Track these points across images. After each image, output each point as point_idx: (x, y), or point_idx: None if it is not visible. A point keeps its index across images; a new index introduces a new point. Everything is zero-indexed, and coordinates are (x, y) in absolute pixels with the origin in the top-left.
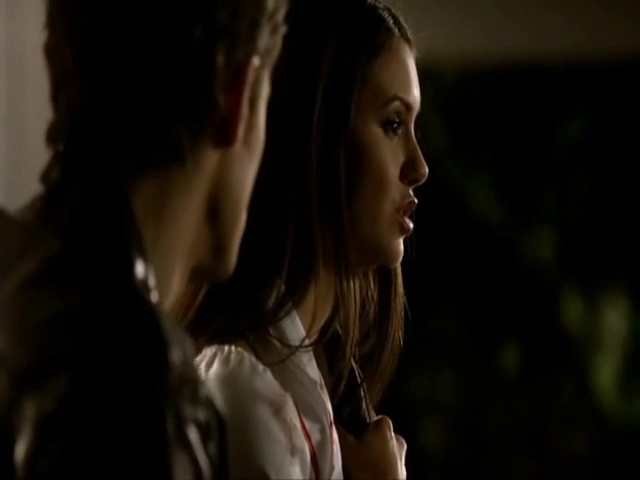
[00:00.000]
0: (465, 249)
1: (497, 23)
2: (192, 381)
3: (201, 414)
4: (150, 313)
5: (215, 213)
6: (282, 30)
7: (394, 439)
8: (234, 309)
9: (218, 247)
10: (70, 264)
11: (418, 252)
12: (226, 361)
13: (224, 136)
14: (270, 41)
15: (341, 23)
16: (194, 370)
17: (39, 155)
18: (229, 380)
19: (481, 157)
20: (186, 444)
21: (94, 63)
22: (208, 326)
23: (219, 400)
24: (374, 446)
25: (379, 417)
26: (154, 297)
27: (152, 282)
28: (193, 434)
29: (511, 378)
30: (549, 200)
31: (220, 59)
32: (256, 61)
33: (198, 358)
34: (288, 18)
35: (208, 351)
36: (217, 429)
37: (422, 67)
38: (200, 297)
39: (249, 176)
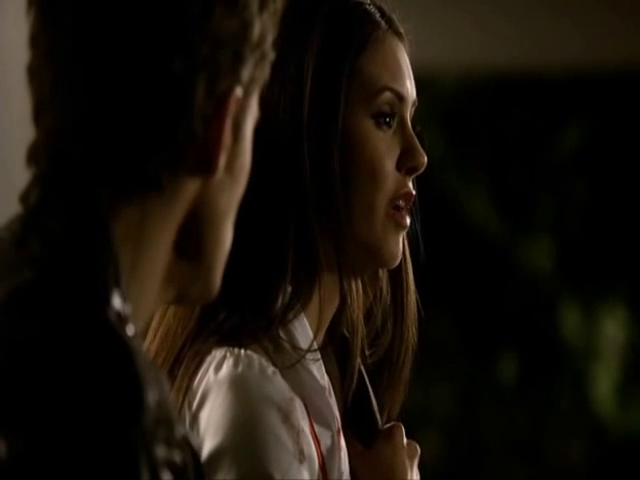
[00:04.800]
0: (463, 258)
1: (495, 33)
2: (167, 422)
3: (177, 455)
4: (125, 351)
5: (196, 239)
6: (270, 57)
7: (405, 447)
8: (244, 312)
9: (200, 271)
10: (40, 295)
11: (416, 261)
12: (235, 364)
13: (205, 165)
14: (256, 70)
15: (324, 19)
16: (170, 410)
17: (24, 166)
18: (238, 384)
19: (479, 166)
20: None
21: (72, 90)
22: (218, 328)
23: (227, 404)
24: (384, 455)
25: (391, 424)
26: (130, 330)
27: (129, 313)
28: (167, 477)
29: (509, 388)
30: (547, 209)
31: (200, 91)
32: (239, 92)
33: (208, 359)
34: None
35: (217, 353)
36: (194, 468)
37: (420, 76)
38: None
39: (233, 203)
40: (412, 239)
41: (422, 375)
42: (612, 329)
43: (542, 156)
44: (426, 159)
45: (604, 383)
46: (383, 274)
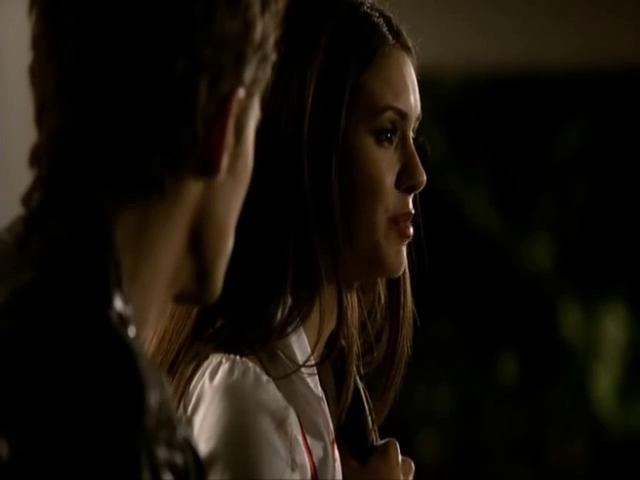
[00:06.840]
0: (463, 258)
1: (495, 33)
2: (169, 423)
3: (178, 457)
4: (127, 352)
5: (198, 242)
6: (272, 58)
7: (400, 464)
8: (242, 322)
9: (202, 274)
10: (42, 296)
11: (418, 262)
12: (230, 371)
13: (207, 167)
14: (258, 71)
15: (331, 32)
16: (171, 412)
17: (24, 169)
18: (232, 391)
19: (480, 166)
20: None
21: (74, 92)
22: (216, 335)
23: (221, 410)
24: (379, 472)
25: (386, 440)
26: (132, 332)
27: (130, 315)
28: (168, 479)
29: (509, 387)
30: (547, 209)
31: (203, 92)
32: (241, 93)
33: (204, 364)
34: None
35: (214, 359)
36: (195, 471)
37: (421, 77)
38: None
39: (235, 204)
40: (413, 240)
41: (422, 375)
42: (612, 329)
43: (542, 156)
44: (425, 178)
45: (604, 382)
46: (382, 285)
